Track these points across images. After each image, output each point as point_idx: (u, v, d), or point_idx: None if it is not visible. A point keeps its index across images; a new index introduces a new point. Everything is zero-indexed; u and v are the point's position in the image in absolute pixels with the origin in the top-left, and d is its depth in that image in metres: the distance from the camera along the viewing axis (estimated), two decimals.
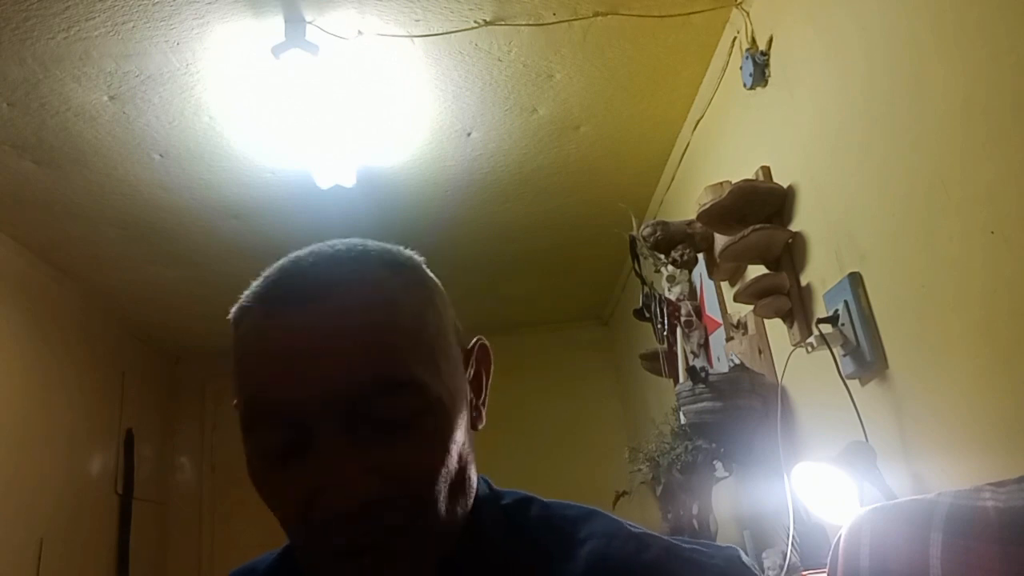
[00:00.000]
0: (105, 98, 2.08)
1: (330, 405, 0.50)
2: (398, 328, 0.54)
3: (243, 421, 0.54)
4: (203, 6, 1.79)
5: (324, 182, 2.41)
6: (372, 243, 0.60)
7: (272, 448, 0.52)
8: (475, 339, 0.64)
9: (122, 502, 3.57)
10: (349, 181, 2.43)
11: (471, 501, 0.59)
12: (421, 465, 0.53)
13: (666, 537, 0.60)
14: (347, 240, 0.59)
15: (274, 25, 1.86)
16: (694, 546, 0.59)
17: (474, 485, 0.60)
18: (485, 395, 0.64)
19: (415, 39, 1.96)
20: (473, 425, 0.61)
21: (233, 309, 0.59)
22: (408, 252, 0.61)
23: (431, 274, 0.62)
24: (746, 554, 0.66)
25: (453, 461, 0.55)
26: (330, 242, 0.59)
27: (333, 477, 0.49)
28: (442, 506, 0.54)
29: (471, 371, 0.62)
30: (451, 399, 0.56)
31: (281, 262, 0.58)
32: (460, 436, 0.56)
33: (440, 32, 1.94)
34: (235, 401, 0.60)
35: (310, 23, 1.87)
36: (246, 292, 0.58)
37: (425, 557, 0.54)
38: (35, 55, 1.90)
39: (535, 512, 0.63)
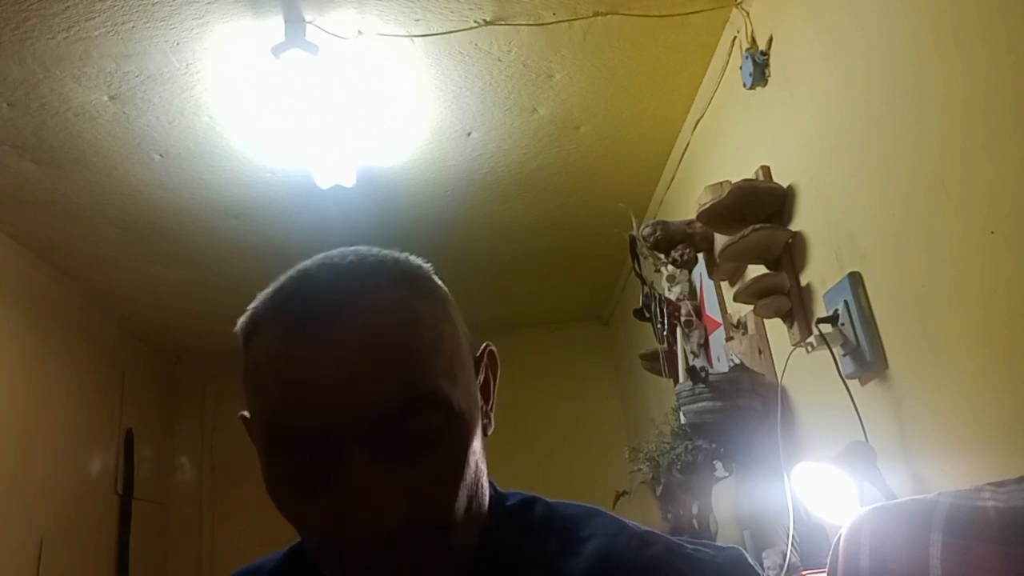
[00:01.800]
0: (105, 98, 2.08)
1: (355, 427, 0.49)
2: (421, 345, 0.52)
3: (262, 442, 0.52)
4: (203, 6, 1.79)
5: (324, 182, 2.41)
6: (383, 253, 0.58)
7: (295, 471, 0.51)
8: (484, 345, 0.64)
9: (122, 502, 3.57)
10: (349, 181, 2.43)
11: (485, 507, 0.59)
12: (444, 478, 0.53)
13: (670, 536, 0.61)
14: (356, 249, 0.58)
15: (274, 25, 1.86)
16: (697, 546, 0.60)
17: (487, 491, 0.60)
18: (493, 401, 0.64)
19: (415, 39, 1.96)
20: (484, 431, 0.61)
21: (241, 320, 0.57)
22: (418, 260, 0.60)
23: (440, 282, 0.60)
24: (750, 555, 0.66)
25: (472, 471, 0.55)
26: (339, 251, 0.57)
27: (361, 504, 0.49)
28: (462, 518, 0.54)
29: (481, 378, 0.62)
30: (469, 410, 0.55)
31: (291, 274, 0.56)
32: (476, 445, 0.56)
33: (440, 32, 1.94)
34: (245, 414, 0.58)
35: (310, 23, 1.87)
36: (255, 304, 0.56)
37: (449, 572, 0.54)
38: (35, 55, 1.90)
39: (539, 511, 0.64)
